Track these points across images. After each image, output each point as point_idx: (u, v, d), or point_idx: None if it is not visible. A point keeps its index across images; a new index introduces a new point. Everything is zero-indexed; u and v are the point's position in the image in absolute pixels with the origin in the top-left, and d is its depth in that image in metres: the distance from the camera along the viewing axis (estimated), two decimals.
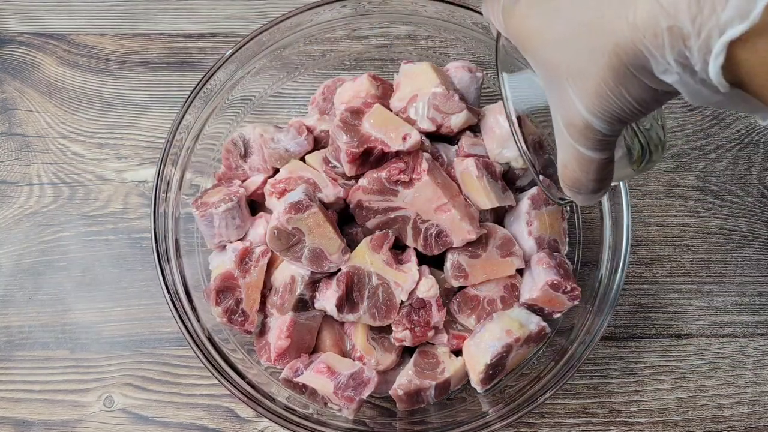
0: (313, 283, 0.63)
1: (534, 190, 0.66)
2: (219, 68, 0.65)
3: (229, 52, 0.65)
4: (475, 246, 0.64)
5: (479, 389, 0.63)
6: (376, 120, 0.62)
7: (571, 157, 0.41)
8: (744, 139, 0.79)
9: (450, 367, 0.63)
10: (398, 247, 0.65)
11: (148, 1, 0.81)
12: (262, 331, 0.65)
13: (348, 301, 0.61)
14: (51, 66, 0.79)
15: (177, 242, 0.65)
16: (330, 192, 0.64)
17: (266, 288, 0.64)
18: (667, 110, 0.80)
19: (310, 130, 0.67)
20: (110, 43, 0.80)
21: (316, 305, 0.63)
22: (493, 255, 0.64)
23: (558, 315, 0.65)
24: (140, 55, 0.80)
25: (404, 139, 0.61)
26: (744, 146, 0.79)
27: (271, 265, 0.64)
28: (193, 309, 0.63)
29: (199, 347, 0.61)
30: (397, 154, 0.62)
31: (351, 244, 0.63)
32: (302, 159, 0.67)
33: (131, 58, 0.80)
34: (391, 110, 0.64)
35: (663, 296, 0.75)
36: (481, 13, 0.66)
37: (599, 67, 0.35)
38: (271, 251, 0.63)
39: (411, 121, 0.64)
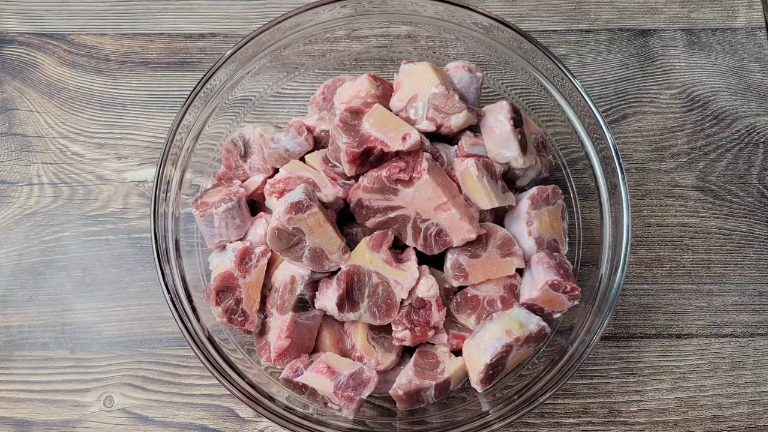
0: (314, 283, 0.63)
1: (534, 190, 0.66)
2: (219, 68, 0.65)
3: (229, 52, 0.65)
4: (475, 246, 0.64)
5: (479, 389, 0.63)
6: (376, 120, 0.62)
7: None
8: (744, 139, 0.79)
9: (450, 367, 0.63)
10: (398, 247, 0.65)
11: (148, 1, 0.81)
12: (262, 331, 0.65)
13: (348, 299, 0.61)
14: (51, 66, 0.79)
15: (177, 242, 0.65)
16: (329, 192, 0.64)
17: (266, 288, 0.64)
18: (667, 109, 0.80)
19: (310, 130, 0.67)
20: (110, 43, 0.80)
21: (317, 305, 0.63)
22: (493, 255, 0.64)
23: (558, 315, 0.65)
24: (140, 55, 0.80)
25: (404, 139, 0.61)
26: (744, 146, 0.79)
27: (271, 265, 0.64)
28: (193, 309, 0.63)
29: (199, 347, 0.61)
30: (397, 154, 0.62)
31: (351, 244, 0.63)
32: (302, 159, 0.67)
33: (131, 58, 0.80)
34: (391, 110, 0.64)
35: (663, 296, 0.75)
36: (481, 13, 0.66)
37: None
38: (271, 251, 0.63)
39: (411, 121, 0.64)
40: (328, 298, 0.61)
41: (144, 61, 0.79)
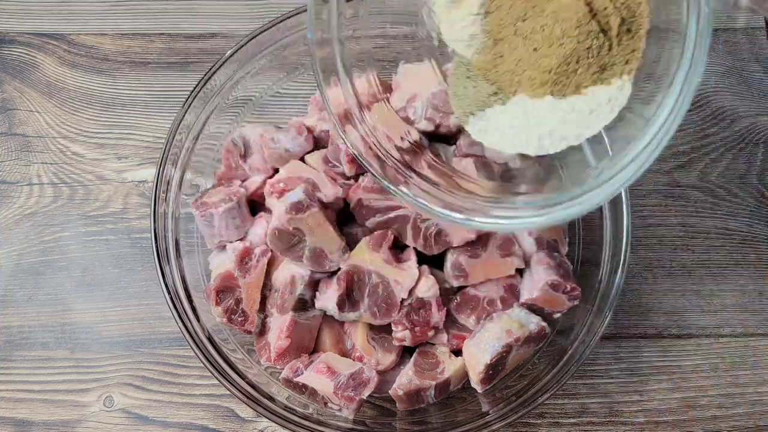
0: (314, 283, 0.63)
1: None
2: (219, 68, 0.65)
3: (229, 52, 0.65)
4: (475, 246, 0.64)
5: (479, 389, 0.63)
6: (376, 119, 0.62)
7: None
8: (744, 139, 0.79)
9: (450, 367, 0.63)
10: (398, 247, 0.65)
11: (148, 1, 0.81)
12: (262, 331, 0.65)
13: (349, 299, 0.62)
14: (51, 66, 0.79)
15: (177, 242, 0.65)
16: (329, 192, 0.64)
17: (266, 288, 0.64)
18: None
19: (310, 130, 0.67)
20: (110, 43, 0.80)
21: (317, 305, 0.63)
22: (493, 255, 0.64)
23: (558, 315, 0.65)
24: (140, 55, 0.80)
25: (402, 139, 0.61)
26: (744, 146, 0.79)
27: (271, 265, 0.64)
28: (193, 309, 0.64)
29: (199, 347, 0.61)
30: None
31: (351, 244, 0.63)
32: (302, 159, 0.67)
33: (131, 58, 0.80)
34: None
35: (663, 296, 0.74)
36: None
37: None
38: (271, 251, 0.63)
39: (410, 121, 0.64)
40: (328, 298, 0.62)
41: (144, 61, 0.79)
